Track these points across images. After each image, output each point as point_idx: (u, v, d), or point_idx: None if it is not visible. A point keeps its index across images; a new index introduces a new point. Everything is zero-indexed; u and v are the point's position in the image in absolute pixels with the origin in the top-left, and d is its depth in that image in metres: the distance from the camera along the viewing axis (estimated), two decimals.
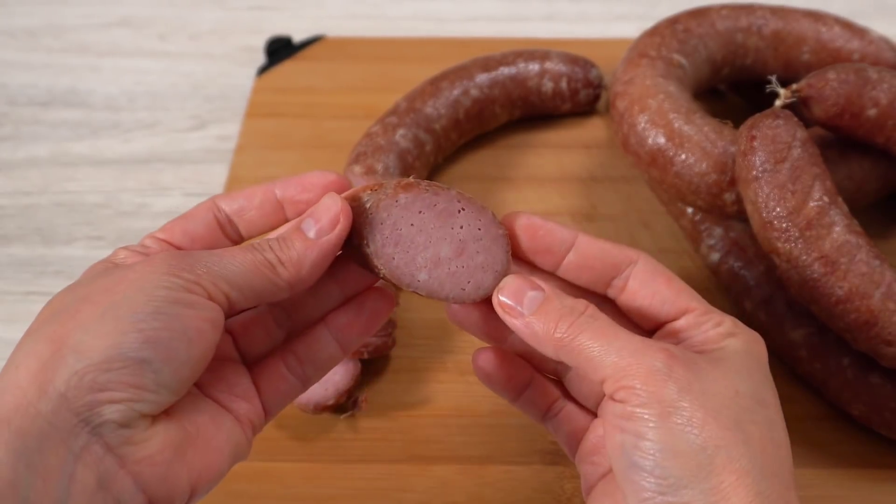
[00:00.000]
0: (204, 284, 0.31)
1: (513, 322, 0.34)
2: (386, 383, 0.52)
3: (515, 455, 0.49)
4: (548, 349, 0.33)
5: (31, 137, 0.70)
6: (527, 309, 0.33)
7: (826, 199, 0.45)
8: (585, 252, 0.36)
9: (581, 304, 0.33)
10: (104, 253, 0.63)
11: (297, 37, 0.75)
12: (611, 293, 0.36)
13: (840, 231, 0.44)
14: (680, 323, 0.35)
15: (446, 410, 0.51)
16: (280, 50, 0.74)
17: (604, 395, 0.33)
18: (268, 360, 0.37)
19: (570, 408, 0.38)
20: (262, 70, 0.72)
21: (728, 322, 0.34)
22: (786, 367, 0.52)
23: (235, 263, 0.33)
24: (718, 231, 0.55)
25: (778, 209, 0.45)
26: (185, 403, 0.33)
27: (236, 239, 0.37)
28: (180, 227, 0.36)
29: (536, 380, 0.38)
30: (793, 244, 0.45)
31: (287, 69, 0.73)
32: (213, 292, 0.32)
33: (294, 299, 0.37)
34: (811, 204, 0.45)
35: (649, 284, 0.35)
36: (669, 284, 0.35)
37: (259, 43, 0.76)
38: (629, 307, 0.36)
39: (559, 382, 0.39)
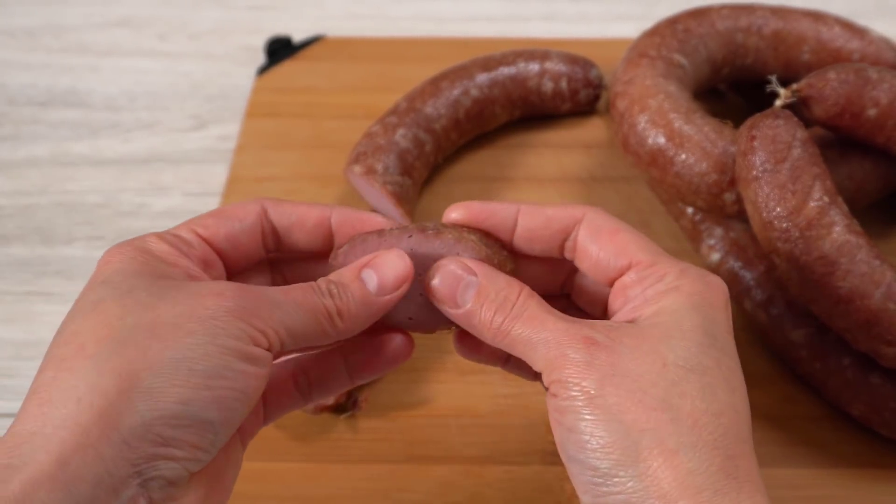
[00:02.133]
0: (268, 334, 0.30)
1: (449, 312, 0.33)
2: (386, 383, 0.52)
3: (515, 455, 0.49)
4: (487, 339, 0.33)
5: (30, 137, 0.70)
6: (461, 300, 0.33)
7: (826, 199, 0.45)
8: (529, 225, 0.35)
9: (513, 289, 0.33)
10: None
11: (297, 37, 0.75)
12: (568, 256, 0.36)
13: (840, 231, 0.44)
14: (624, 280, 0.34)
15: (446, 410, 0.51)
16: (280, 50, 0.74)
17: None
18: (279, 373, 0.36)
19: None
20: (262, 70, 0.72)
21: (672, 274, 0.33)
22: (786, 367, 0.52)
23: (299, 311, 0.31)
24: (718, 231, 0.55)
25: (778, 209, 0.45)
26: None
27: (272, 250, 0.36)
28: (225, 229, 0.34)
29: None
30: (793, 244, 0.45)
31: (287, 69, 0.73)
32: (273, 341, 0.31)
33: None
34: (811, 204, 0.45)
35: (595, 241, 0.34)
36: (613, 238, 0.34)
37: (259, 43, 0.76)
38: (584, 268, 0.35)
39: None
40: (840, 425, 0.49)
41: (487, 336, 0.33)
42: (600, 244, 0.34)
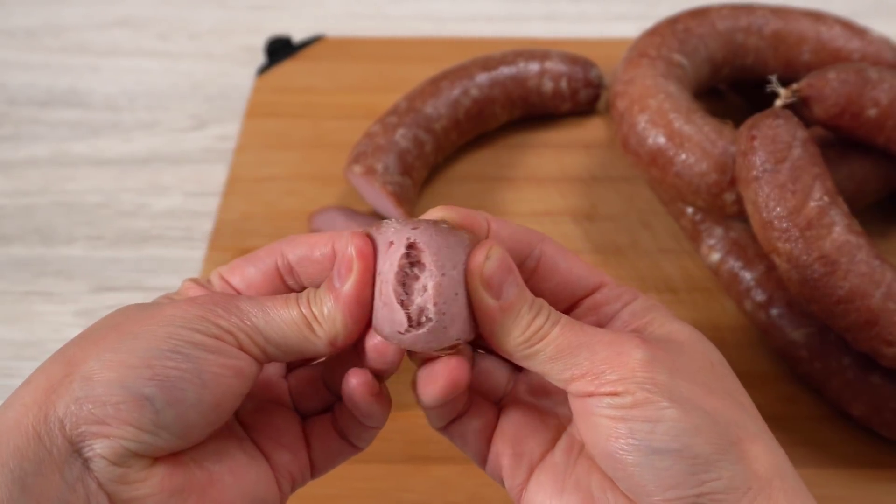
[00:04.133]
0: (237, 335, 0.30)
1: (486, 301, 0.30)
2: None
3: None
4: (510, 344, 0.31)
5: (30, 137, 0.70)
6: (506, 292, 0.31)
7: (826, 198, 0.45)
8: (500, 235, 0.34)
9: (543, 301, 0.32)
10: (104, 253, 0.63)
11: (297, 37, 0.75)
12: (522, 275, 0.34)
13: (840, 231, 0.44)
14: (597, 297, 0.34)
15: None
16: (280, 50, 0.74)
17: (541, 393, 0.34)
18: (322, 416, 0.36)
19: (476, 405, 0.36)
20: (262, 70, 0.72)
21: (642, 296, 0.34)
22: (786, 367, 0.52)
23: (275, 318, 0.31)
24: (718, 231, 0.55)
25: (778, 209, 0.45)
26: (208, 447, 0.31)
27: (297, 288, 0.35)
28: (241, 269, 0.34)
29: None
30: (793, 244, 0.45)
31: (287, 69, 0.73)
32: (245, 344, 0.31)
33: (332, 364, 0.36)
34: (811, 204, 0.45)
35: (563, 262, 0.34)
36: (577, 261, 0.34)
37: (259, 43, 0.76)
38: (542, 287, 0.34)
39: None
40: (840, 425, 0.49)
41: (515, 341, 0.31)
42: (570, 264, 0.34)
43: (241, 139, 0.67)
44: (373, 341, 0.32)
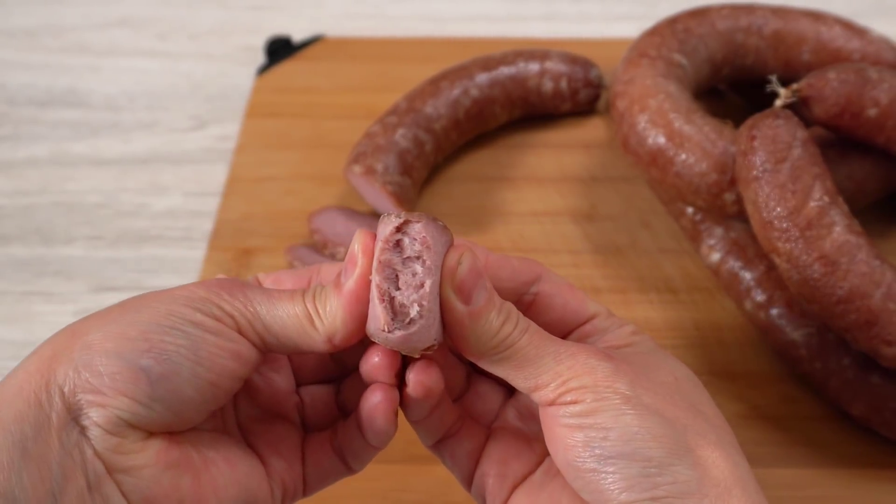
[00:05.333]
0: (238, 319, 0.31)
1: (456, 306, 0.30)
2: None
3: None
4: (480, 348, 0.31)
5: (30, 137, 0.70)
6: (476, 297, 0.31)
7: (826, 198, 0.45)
8: (498, 274, 0.34)
9: (511, 305, 0.32)
10: (104, 253, 0.63)
11: (297, 37, 0.75)
12: (519, 308, 0.34)
13: (840, 231, 0.44)
14: (587, 328, 0.35)
15: None
16: (280, 50, 0.74)
17: (506, 408, 0.35)
18: (321, 434, 0.36)
19: (468, 426, 0.36)
20: (262, 70, 0.72)
21: (629, 324, 0.35)
22: (786, 367, 0.52)
23: (278, 308, 0.31)
24: (718, 231, 0.55)
25: (778, 209, 0.45)
26: (203, 435, 0.32)
27: None
28: (277, 276, 0.35)
29: (444, 399, 0.35)
30: (793, 244, 0.45)
31: (287, 69, 0.73)
32: (246, 330, 0.31)
33: (351, 383, 0.36)
34: (811, 204, 0.45)
35: (559, 295, 0.35)
36: (574, 293, 0.36)
37: (259, 43, 0.76)
38: (545, 318, 0.35)
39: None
40: (840, 425, 0.49)
41: (485, 346, 0.31)
42: (566, 298, 0.35)
43: (241, 139, 0.67)
44: (371, 361, 0.32)
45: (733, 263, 0.54)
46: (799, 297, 0.46)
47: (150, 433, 0.30)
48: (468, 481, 0.36)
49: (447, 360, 0.36)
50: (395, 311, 0.30)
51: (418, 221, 0.30)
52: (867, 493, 0.47)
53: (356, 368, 0.34)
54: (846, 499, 0.47)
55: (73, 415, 0.29)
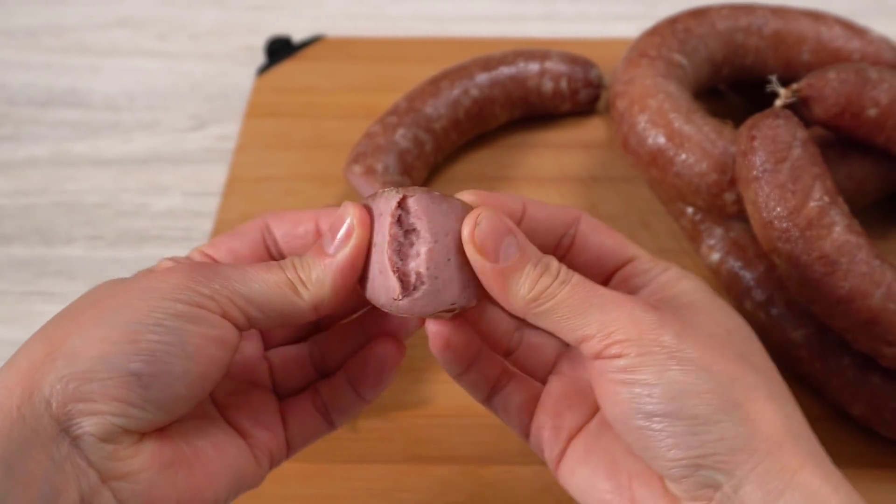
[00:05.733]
0: (219, 300, 0.30)
1: (483, 265, 0.31)
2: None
3: (515, 455, 0.49)
4: (517, 304, 0.31)
5: (30, 137, 0.70)
6: (504, 253, 0.31)
7: (826, 198, 0.45)
8: (537, 216, 0.35)
9: (552, 259, 0.32)
10: (104, 253, 0.63)
11: (297, 37, 0.75)
12: (557, 253, 0.35)
13: (840, 231, 0.44)
14: (628, 269, 0.35)
15: (446, 410, 0.51)
16: (280, 50, 0.74)
17: (568, 359, 0.34)
18: (299, 396, 0.36)
19: (517, 380, 0.37)
20: (262, 70, 0.72)
21: (674, 267, 0.34)
22: (786, 367, 0.52)
23: (257, 281, 0.31)
24: (718, 231, 0.55)
25: (778, 209, 0.45)
26: (187, 424, 0.32)
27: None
28: (227, 243, 0.35)
29: (484, 353, 0.36)
30: (793, 244, 0.45)
31: (287, 69, 0.73)
32: (228, 309, 0.30)
33: (329, 340, 0.36)
34: (811, 204, 0.45)
35: (595, 237, 0.35)
36: (612, 235, 0.35)
37: (259, 43, 0.76)
38: (576, 262, 0.35)
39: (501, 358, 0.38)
40: (840, 425, 0.49)
41: (520, 301, 0.31)
42: (601, 240, 0.35)
43: (241, 139, 0.67)
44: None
45: (733, 263, 0.54)
46: (799, 297, 0.46)
47: (141, 435, 0.29)
48: (525, 434, 0.37)
49: (489, 317, 0.36)
50: (403, 281, 0.31)
51: (412, 196, 0.31)
52: (867, 493, 0.47)
53: (329, 325, 0.35)
54: None
55: (63, 426, 0.28)
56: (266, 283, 0.31)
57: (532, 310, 0.31)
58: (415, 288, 0.31)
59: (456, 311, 0.33)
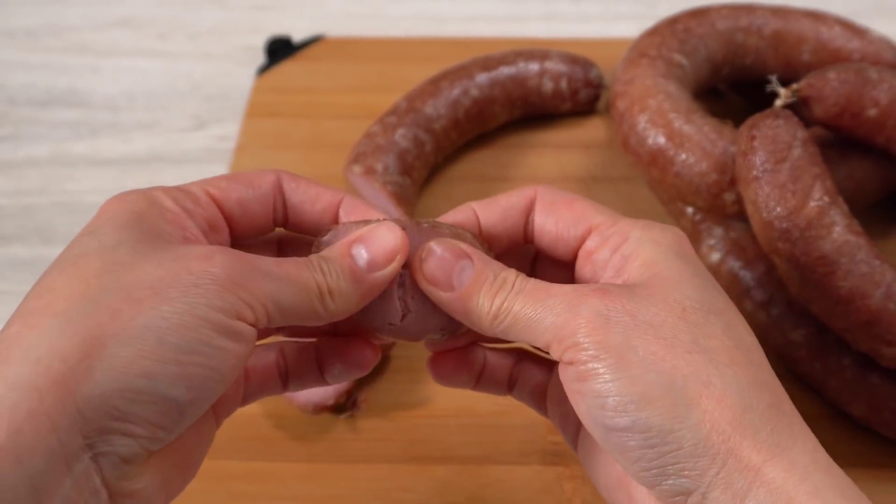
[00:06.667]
0: (254, 306, 0.28)
1: (440, 296, 0.31)
2: (385, 383, 0.52)
3: (515, 455, 0.49)
4: (483, 326, 0.31)
5: (30, 137, 0.70)
6: (457, 281, 0.31)
7: (826, 198, 0.45)
8: (489, 220, 0.34)
9: (510, 271, 0.31)
10: None
11: (297, 37, 0.75)
12: (527, 242, 0.35)
13: (840, 231, 0.44)
14: (588, 244, 0.33)
15: (446, 410, 0.51)
16: (280, 50, 0.74)
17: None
18: (265, 352, 0.35)
19: (529, 364, 0.36)
20: (262, 70, 0.72)
21: (637, 229, 0.32)
22: (786, 367, 0.52)
23: (291, 286, 0.29)
24: (718, 231, 0.55)
25: (778, 209, 0.45)
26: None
27: (280, 224, 0.35)
28: (237, 193, 0.33)
29: (488, 356, 0.36)
30: (793, 244, 0.45)
31: (287, 69, 0.73)
32: (259, 315, 0.28)
33: None
34: (811, 204, 0.45)
35: (551, 215, 0.33)
36: (570, 207, 0.33)
37: (259, 43, 0.76)
38: (544, 247, 0.34)
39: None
40: (840, 425, 0.49)
41: (485, 322, 0.31)
42: (557, 216, 0.33)
43: (241, 139, 0.67)
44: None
45: (733, 263, 0.54)
46: (799, 297, 0.46)
47: (151, 452, 0.28)
48: (545, 413, 0.37)
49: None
50: (399, 308, 0.32)
51: (404, 227, 0.32)
52: (867, 492, 0.47)
53: None
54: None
55: (90, 441, 0.25)
56: (297, 288, 0.29)
57: (496, 328, 0.31)
58: (404, 316, 0.32)
59: (439, 340, 0.34)
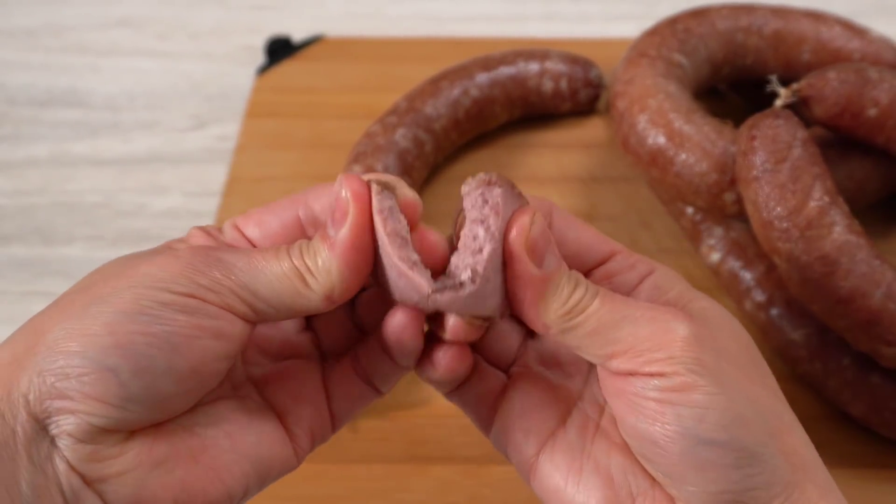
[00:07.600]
0: (220, 292, 0.28)
1: (532, 271, 0.28)
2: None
3: None
4: (548, 317, 0.29)
5: (30, 137, 0.70)
6: (547, 261, 0.29)
7: (826, 198, 0.45)
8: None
9: (579, 273, 0.30)
10: (104, 253, 0.63)
11: (297, 37, 0.75)
12: None
13: (840, 231, 0.44)
14: (610, 266, 0.32)
15: (446, 410, 0.51)
16: (280, 50, 0.74)
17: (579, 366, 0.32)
18: (341, 363, 0.33)
19: (482, 370, 0.34)
20: (262, 70, 0.72)
21: (660, 267, 0.33)
22: (786, 367, 0.52)
23: (264, 272, 0.28)
24: (718, 231, 0.55)
25: (778, 209, 0.45)
26: (196, 413, 0.29)
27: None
28: (259, 218, 0.32)
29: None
30: (793, 244, 0.45)
31: (287, 69, 0.73)
32: (231, 303, 0.28)
33: (365, 297, 0.33)
34: (811, 204, 0.45)
35: (572, 232, 0.33)
36: (587, 229, 0.33)
37: (259, 43, 0.76)
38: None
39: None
40: (840, 425, 0.49)
41: (553, 314, 0.29)
42: (578, 234, 0.33)
43: (241, 139, 0.67)
44: (393, 321, 0.30)
45: (733, 263, 0.54)
46: (799, 297, 0.46)
47: (129, 433, 0.27)
48: (486, 429, 0.34)
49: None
50: (448, 272, 0.29)
51: (500, 186, 0.29)
52: (867, 493, 0.47)
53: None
54: (846, 498, 0.47)
55: (42, 425, 0.26)
56: (273, 274, 0.28)
57: (562, 324, 0.29)
58: (462, 285, 0.28)
59: (488, 322, 0.30)
